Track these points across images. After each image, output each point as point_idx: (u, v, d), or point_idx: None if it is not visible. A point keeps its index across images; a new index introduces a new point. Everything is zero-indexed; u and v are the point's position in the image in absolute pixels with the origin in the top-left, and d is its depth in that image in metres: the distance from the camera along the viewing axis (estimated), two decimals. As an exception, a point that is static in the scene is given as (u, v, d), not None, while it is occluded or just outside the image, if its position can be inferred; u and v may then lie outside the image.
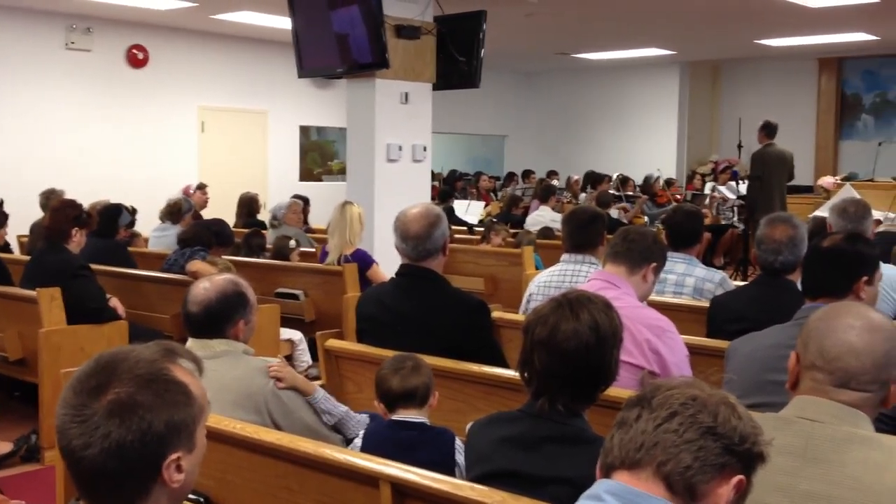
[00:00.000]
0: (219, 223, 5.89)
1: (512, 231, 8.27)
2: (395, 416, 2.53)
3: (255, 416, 2.54)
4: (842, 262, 2.68)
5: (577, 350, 1.94)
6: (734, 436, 1.30)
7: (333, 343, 3.37)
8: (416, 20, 7.10)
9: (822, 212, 6.96)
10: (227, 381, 2.59)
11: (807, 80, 14.17)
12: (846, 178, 11.36)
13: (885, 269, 4.19)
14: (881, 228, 6.95)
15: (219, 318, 2.71)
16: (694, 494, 1.28)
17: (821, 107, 14.10)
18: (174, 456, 1.38)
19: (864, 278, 2.68)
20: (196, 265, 5.10)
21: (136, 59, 10.89)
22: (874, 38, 11.61)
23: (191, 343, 2.74)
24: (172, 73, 11.25)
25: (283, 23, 7.68)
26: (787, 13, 9.88)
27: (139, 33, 10.87)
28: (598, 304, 2.00)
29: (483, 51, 7.37)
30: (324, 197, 11.09)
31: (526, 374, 2.01)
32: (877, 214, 9.12)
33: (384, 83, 7.09)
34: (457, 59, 7.37)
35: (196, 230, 5.66)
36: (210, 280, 2.84)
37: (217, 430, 2.42)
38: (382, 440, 2.50)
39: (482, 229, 8.01)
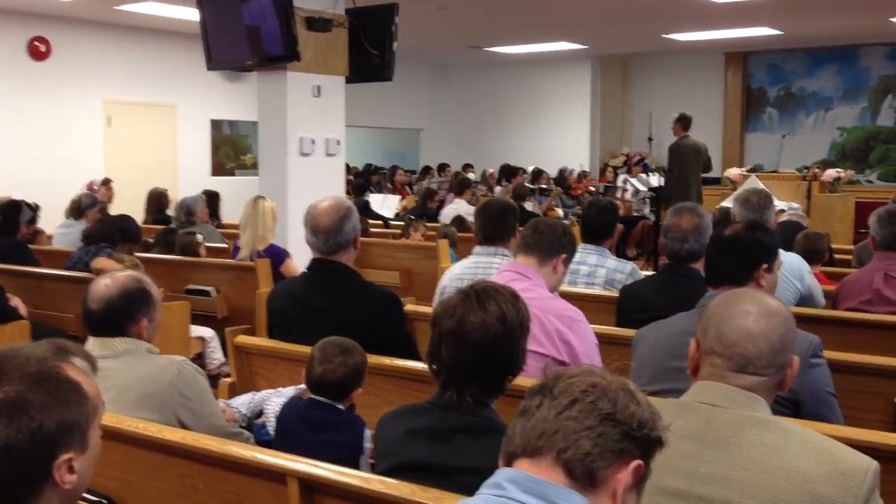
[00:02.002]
0: (125, 219, 5.73)
1: (431, 225, 8.26)
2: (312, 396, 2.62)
3: (158, 415, 2.47)
4: (742, 251, 2.75)
5: (484, 341, 1.94)
6: (633, 421, 1.31)
7: (243, 339, 3.32)
8: (328, 13, 7.02)
9: (729, 202, 7.14)
10: (130, 381, 2.52)
11: (714, 74, 14.54)
12: (752, 170, 11.70)
13: (788, 257, 4.34)
14: (784, 218, 7.18)
15: (120, 316, 2.63)
16: (594, 480, 1.29)
17: (727, 100, 14.49)
18: (66, 456, 1.35)
19: (764, 266, 2.75)
20: (102, 262, 4.95)
21: (38, 51, 10.52)
22: (778, 32, 11.98)
23: (91, 342, 2.66)
24: (76, 65, 10.90)
25: (192, 14, 7.51)
26: (694, 8, 10.12)
27: (41, 25, 10.50)
28: (505, 294, 2.01)
29: (396, 44, 7.33)
30: (237, 192, 10.88)
31: (434, 366, 2.01)
32: (780, 204, 9.45)
33: (296, 76, 7.00)
34: (369, 52, 7.31)
35: (101, 227, 5.50)
36: (111, 277, 2.75)
37: (119, 430, 2.36)
38: (295, 416, 2.60)
39: (402, 224, 7.98)
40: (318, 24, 6.94)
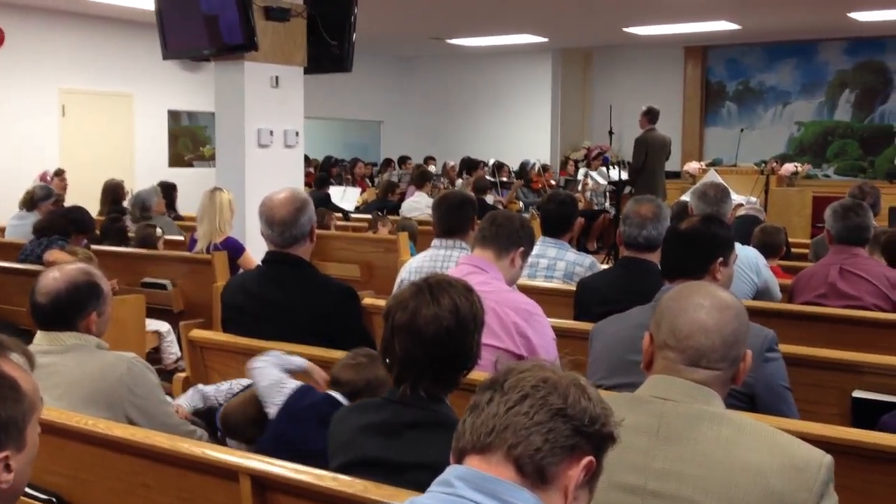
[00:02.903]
0: (77, 210, 5.62)
1: (392, 218, 8.23)
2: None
3: (107, 413, 2.42)
4: (697, 244, 2.76)
5: (437, 335, 1.92)
6: (584, 417, 1.30)
7: (197, 333, 3.26)
8: (286, 2, 6.93)
9: (687, 196, 7.19)
10: (78, 378, 2.46)
11: (674, 68, 14.65)
12: (711, 164, 11.81)
13: (744, 250, 4.37)
14: (742, 212, 7.25)
15: (69, 310, 2.57)
16: (544, 476, 1.27)
17: (687, 94, 14.60)
18: (2, 455, 1.32)
19: (720, 259, 2.75)
20: (54, 255, 4.85)
21: (-10, 38, 10.29)
22: (736, 26, 12.08)
23: (39, 336, 2.60)
24: (30, 54, 10.68)
25: (149, 3, 7.38)
26: (653, 1, 10.16)
27: (-7, 12, 10.27)
28: (458, 288, 1.99)
29: (355, 34, 7.26)
30: (195, 183, 10.72)
31: (387, 360, 1.98)
32: (739, 198, 9.55)
33: (253, 66, 6.89)
34: (328, 42, 7.22)
35: (52, 218, 5.39)
36: (60, 269, 2.69)
37: (67, 427, 2.31)
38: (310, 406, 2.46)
39: (368, 217, 7.92)
40: (276, 13, 6.84)
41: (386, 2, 10.03)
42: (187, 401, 2.85)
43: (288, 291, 3.17)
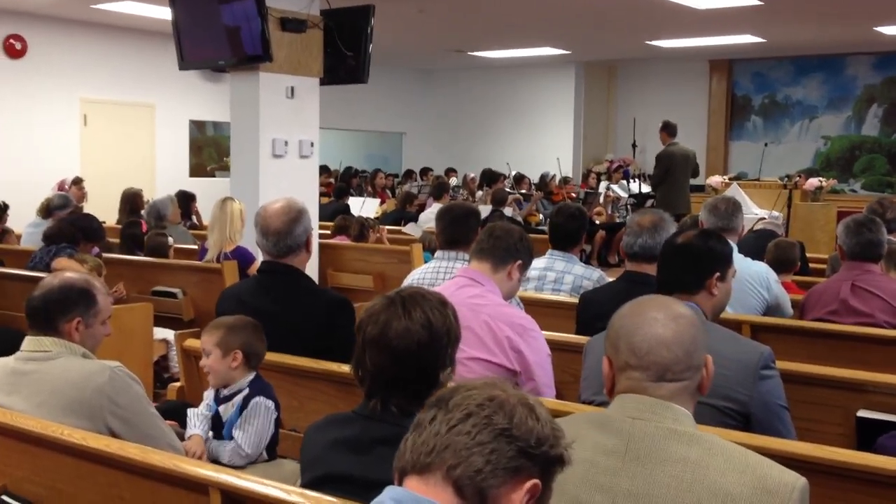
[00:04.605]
0: (86, 218, 5.65)
1: (394, 228, 8.15)
2: None
3: (88, 423, 2.37)
4: (693, 258, 2.69)
5: (408, 348, 1.87)
6: (530, 438, 1.24)
7: (192, 343, 3.23)
8: (302, 13, 6.95)
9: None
10: (60, 385, 2.43)
11: (698, 81, 14.53)
12: (735, 178, 11.68)
13: (755, 265, 4.29)
14: (761, 226, 7.15)
15: (55, 308, 2.57)
16: (485, 499, 1.22)
17: (712, 108, 14.48)
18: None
19: (717, 275, 2.69)
20: (62, 263, 4.86)
21: (14, 49, 10.41)
22: (761, 40, 11.97)
23: (26, 342, 2.60)
24: (53, 64, 10.80)
25: (169, 13, 7.44)
26: (676, 14, 10.09)
27: (17, 23, 10.39)
28: (431, 301, 1.93)
29: (371, 46, 7.27)
30: (217, 193, 10.75)
31: (359, 374, 1.93)
32: (761, 212, 9.43)
33: (269, 77, 6.92)
34: (344, 53, 7.24)
35: (61, 226, 5.41)
36: (63, 273, 2.72)
37: (44, 436, 2.29)
38: None
39: (358, 225, 7.88)
40: (292, 24, 6.87)
41: (407, 15, 10.04)
42: (202, 430, 2.78)
43: (281, 302, 3.14)
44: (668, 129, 10.43)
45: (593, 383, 2.62)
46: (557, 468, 1.27)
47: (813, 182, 10.87)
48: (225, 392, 2.77)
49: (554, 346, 3.10)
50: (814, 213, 10.41)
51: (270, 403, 2.72)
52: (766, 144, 12.71)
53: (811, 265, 6.15)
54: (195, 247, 6.77)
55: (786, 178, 10.92)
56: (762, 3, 9.34)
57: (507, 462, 1.22)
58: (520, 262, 3.17)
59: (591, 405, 2.57)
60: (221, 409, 2.74)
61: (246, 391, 2.74)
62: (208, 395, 2.83)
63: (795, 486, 1.54)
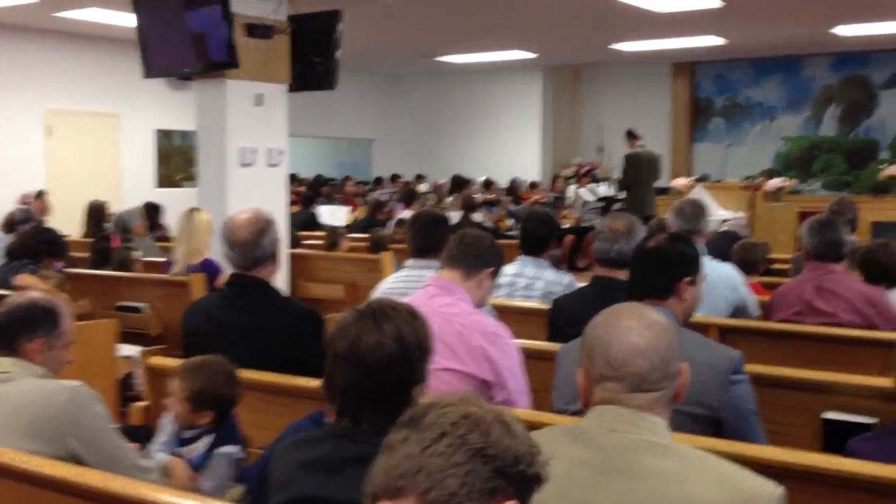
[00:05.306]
0: (48, 232, 5.54)
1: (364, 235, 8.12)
2: None
3: (48, 446, 2.31)
4: (664, 263, 2.71)
5: (379, 363, 1.84)
6: (507, 457, 1.20)
7: (158, 360, 3.19)
8: (269, 19, 6.89)
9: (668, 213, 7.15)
10: (18, 407, 2.36)
11: (661, 84, 14.65)
12: (699, 180, 11.78)
13: (722, 267, 4.32)
14: (726, 227, 7.23)
15: (18, 325, 2.51)
16: None
17: (675, 110, 14.60)
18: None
19: (687, 279, 2.70)
20: (24, 280, 4.77)
21: (-26, 58, 10.26)
22: (723, 41, 12.08)
23: (-14, 362, 2.53)
24: (15, 73, 10.63)
25: (133, 21, 7.36)
26: (639, 18, 10.15)
27: (-24, 32, 10.25)
28: (402, 313, 1.91)
29: (339, 52, 7.23)
30: (184, 203, 10.63)
31: (329, 391, 1.90)
32: (725, 214, 9.53)
33: (235, 84, 6.85)
34: (312, 59, 7.19)
35: (23, 241, 5.29)
36: (29, 292, 2.67)
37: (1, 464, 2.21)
38: None
39: (325, 234, 7.84)
40: (258, 30, 6.80)
41: (375, 20, 10.01)
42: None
43: (249, 315, 3.11)
44: (633, 135, 10.57)
45: (566, 392, 2.62)
46: (535, 487, 1.24)
47: (775, 182, 11.00)
48: (188, 434, 2.68)
49: (526, 353, 3.09)
50: (775, 213, 10.53)
51: (236, 450, 2.64)
52: (728, 146, 12.87)
53: (775, 265, 6.21)
54: (163, 259, 6.70)
55: (749, 179, 11.04)
56: (723, 4, 9.43)
57: (484, 483, 1.18)
58: (490, 269, 3.17)
59: (564, 414, 2.57)
60: (184, 450, 2.66)
61: (212, 437, 2.66)
62: (168, 428, 2.75)
63: (773, 496, 1.55)
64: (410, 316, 1.91)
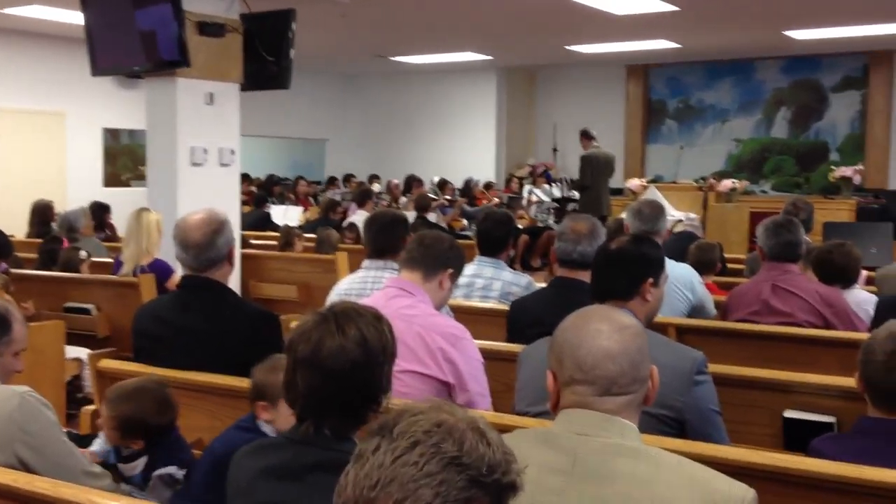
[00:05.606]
0: (-10, 233, 5.38)
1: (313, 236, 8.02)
2: None
3: (-6, 454, 2.23)
4: (627, 265, 2.68)
5: (342, 368, 1.78)
6: (481, 465, 1.16)
7: (107, 364, 3.08)
8: (221, 17, 6.78)
9: (625, 214, 7.18)
10: (-36, 415, 2.28)
11: (616, 86, 14.74)
12: (652, 181, 11.88)
13: (679, 268, 4.33)
14: (680, 228, 7.28)
15: None
16: None
17: (629, 112, 14.70)
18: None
19: (650, 280, 2.68)
20: (-34, 281, 4.62)
21: (-87, 55, 9.95)
22: (676, 45, 12.19)
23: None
24: (-45, 71, 10.36)
25: (80, 18, 7.19)
26: (594, 20, 10.20)
27: (-85, 28, 9.95)
28: (366, 316, 1.85)
29: (293, 51, 7.14)
30: (132, 203, 10.41)
31: (290, 396, 1.84)
32: (678, 215, 9.60)
33: (187, 83, 6.73)
34: (265, 58, 7.09)
35: (-33, 242, 5.15)
36: None
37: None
38: None
39: (279, 234, 7.74)
40: (210, 28, 6.69)
41: (329, 19, 9.92)
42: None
43: (204, 318, 3.02)
44: (586, 135, 10.66)
45: (529, 394, 2.59)
46: (510, 495, 1.20)
47: (727, 184, 11.12)
48: (125, 452, 2.61)
49: (485, 354, 3.06)
50: (727, 214, 10.64)
51: (174, 470, 2.56)
52: (681, 147, 12.99)
53: (729, 265, 6.26)
54: (109, 260, 6.55)
55: (701, 181, 11.15)
56: (678, 8, 9.51)
57: (458, 493, 1.14)
58: (451, 270, 3.12)
59: (527, 416, 2.53)
60: (124, 467, 2.59)
61: (147, 458, 2.58)
62: (103, 445, 2.66)
63: (745, 499, 1.53)
64: (375, 319, 1.86)
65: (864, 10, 9.77)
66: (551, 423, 1.81)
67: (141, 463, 2.58)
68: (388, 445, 1.16)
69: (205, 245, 3.05)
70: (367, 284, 3.82)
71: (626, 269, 2.68)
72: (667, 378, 2.39)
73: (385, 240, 3.91)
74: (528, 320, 3.52)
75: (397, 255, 3.87)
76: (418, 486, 1.13)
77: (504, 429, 1.75)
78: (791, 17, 10.22)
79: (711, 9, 9.78)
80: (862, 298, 4.21)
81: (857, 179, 11.23)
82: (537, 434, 1.66)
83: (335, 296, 3.91)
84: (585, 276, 3.39)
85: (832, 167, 11.91)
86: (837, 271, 4.19)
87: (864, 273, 4.70)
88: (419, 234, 3.24)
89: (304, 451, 1.79)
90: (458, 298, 4.33)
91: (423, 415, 1.20)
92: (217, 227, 3.09)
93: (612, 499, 1.53)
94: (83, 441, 2.76)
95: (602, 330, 1.70)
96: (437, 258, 3.09)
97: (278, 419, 2.44)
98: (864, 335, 3.57)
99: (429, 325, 2.89)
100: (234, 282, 5.93)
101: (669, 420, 2.43)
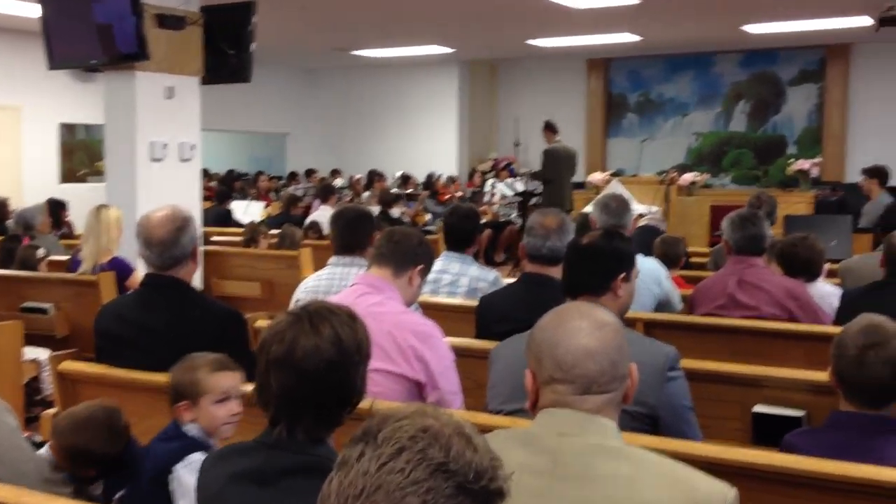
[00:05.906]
0: (-54, 231, 5.24)
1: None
2: None
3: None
4: (599, 260, 2.67)
5: (317, 368, 1.74)
6: (469, 472, 1.13)
7: (68, 365, 3.00)
8: (180, 10, 6.66)
9: (590, 208, 7.19)
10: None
11: (577, 80, 14.78)
12: (614, 174, 11.94)
13: (646, 262, 4.33)
14: (643, 222, 7.29)
15: None
16: None
17: (590, 105, 14.75)
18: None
19: (622, 275, 2.67)
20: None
21: None
22: (637, 38, 12.25)
23: None
24: None
25: (34, 11, 7.02)
26: (554, 14, 10.20)
27: None
28: (341, 316, 1.81)
29: (254, 44, 7.04)
30: (89, 200, 10.22)
31: (262, 398, 1.79)
32: (641, 208, 9.65)
33: (145, 77, 6.60)
34: (226, 52, 6.98)
35: (-81, 241, 5.00)
36: None
37: None
38: None
39: (244, 230, 7.66)
40: (169, 21, 6.57)
41: (290, 12, 9.81)
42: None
43: (168, 317, 2.95)
44: (550, 128, 10.69)
45: (502, 391, 2.56)
46: (497, 502, 1.17)
47: (688, 177, 11.22)
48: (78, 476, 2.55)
49: (456, 352, 3.03)
50: (689, 207, 10.73)
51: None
52: (642, 141, 13.06)
53: (691, 259, 6.30)
54: (68, 258, 6.41)
55: (663, 174, 11.23)
56: (640, 1, 9.53)
57: (445, 501, 1.11)
58: (420, 266, 3.09)
59: (500, 414, 2.51)
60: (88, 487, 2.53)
61: (103, 482, 2.53)
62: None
63: (727, 498, 1.51)
64: (349, 319, 1.82)
65: (821, 4, 9.88)
66: (526, 422, 1.79)
67: (99, 486, 2.53)
68: (372, 452, 1.13)
69: (169, 242, 2.98)
70: (334, 281, 3.77)
71: (598, 264, 2.67)
72: (640, 374, 2.39)
73: (352, 236, 3.87)
74: (496, 316, 3.51)
75: (365, 251, 3.84)
76: (405, 493, 1.10)
77: (478, 428, 1.73)
78: (750, 10, 10.31)
79: (672, 2, 9.82)
80: (826, 291, 4.25)
81: (814, 172, 11.39)
82: (517, 435, 1.63)
83: (301, 293, 3.85)
84: (555, 272, 3.38)
85: (790, 160, 12.05)
86: (802, 264, 4.22)
87: (826, 266, 4.75)
88: (388, 230, 3.21)
89: (276, 456, 1.74)
90: (425, 294, 4.28)
91: (408, 420, 1.16)
92: (181, 224, 3.03)
93: (594, 500, 1.51)
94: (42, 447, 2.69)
95: (581, 327, 1.67)
96: (406, 254, 3.06)
97: (201, 416, 2.42)
98: (829, 328, 3.62)
99: (399, 323, 2.86)
100: (195, 279, 5.87)
101: (642, 416, 2.42)
